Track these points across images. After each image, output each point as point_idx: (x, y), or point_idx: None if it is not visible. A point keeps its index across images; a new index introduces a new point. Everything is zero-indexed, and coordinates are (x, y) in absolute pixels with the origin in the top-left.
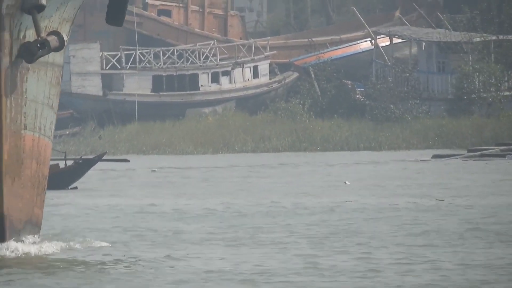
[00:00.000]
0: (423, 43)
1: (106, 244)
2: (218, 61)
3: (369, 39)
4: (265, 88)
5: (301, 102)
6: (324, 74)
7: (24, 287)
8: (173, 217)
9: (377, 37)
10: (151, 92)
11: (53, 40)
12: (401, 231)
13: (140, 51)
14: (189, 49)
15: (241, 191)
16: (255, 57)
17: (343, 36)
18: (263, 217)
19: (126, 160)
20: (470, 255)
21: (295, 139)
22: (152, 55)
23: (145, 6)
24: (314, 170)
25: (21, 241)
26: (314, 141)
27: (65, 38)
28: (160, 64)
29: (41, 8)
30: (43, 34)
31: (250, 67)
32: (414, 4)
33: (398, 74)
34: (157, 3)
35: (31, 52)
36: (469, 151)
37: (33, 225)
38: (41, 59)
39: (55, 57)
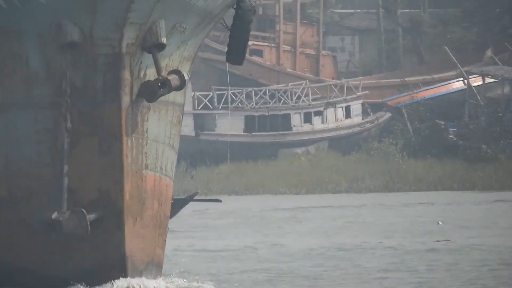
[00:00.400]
0: None
1: (212, 283)
2: (310, 101)
3: (462, 78)
4: (358, 128)
5: (394, 142)
6: (417, 114)
7: None
8: (278, 257)
9: (470, 76)
10: (243, 132)
11: (174, 79)
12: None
13: (232, 91)
14: (281, 89)
15: (338, 230)
16: (347, 97)
17: (435, 75)
18: (363, 255)
19: (218, 200)
20: None
21: (389, 179)
22: (244, 95)
23: None
24: (408, 210)
25: (141, 280)
26: (408, 182)
27: (186, 77)
28: (253, 104)
29: (161, 47)
30: (164, 73)
31: (342, 107)
32: (506, 43)
33: (491, 114)
34: (249, 43)
35: (152, 91)
36: None
37: (155, 266)
38: (162, 98)
39: (175, 96)
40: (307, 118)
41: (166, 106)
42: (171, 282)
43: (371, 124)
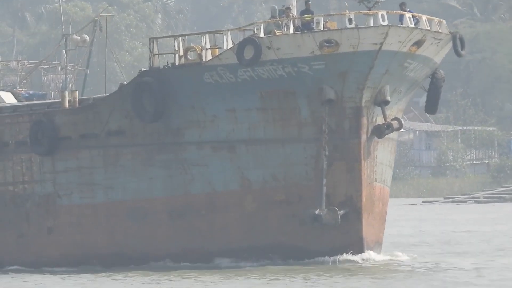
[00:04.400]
0: (417, 132)
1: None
2: None
3: None
4: None
5: None
6: None
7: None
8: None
9: None
10: None
11: (395, 123)
12: None
13: None
14: None
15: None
16: None
17: None
18: None
19: None
20: None
21: None
22: None
23: None
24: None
25: (371, 254)
26: None
27: (403, 122)
28: None
29: (387, 102)
30: (388, 119)
31: None
32: (411, 107)
33: (401, 151)
34: None
35: (380, 131)
36: (445, 198)
37: (378, 244)
38: (386, 136)
39: (393, 135)
40: None
41: (388, 141)
42: (388, 255)
43: None
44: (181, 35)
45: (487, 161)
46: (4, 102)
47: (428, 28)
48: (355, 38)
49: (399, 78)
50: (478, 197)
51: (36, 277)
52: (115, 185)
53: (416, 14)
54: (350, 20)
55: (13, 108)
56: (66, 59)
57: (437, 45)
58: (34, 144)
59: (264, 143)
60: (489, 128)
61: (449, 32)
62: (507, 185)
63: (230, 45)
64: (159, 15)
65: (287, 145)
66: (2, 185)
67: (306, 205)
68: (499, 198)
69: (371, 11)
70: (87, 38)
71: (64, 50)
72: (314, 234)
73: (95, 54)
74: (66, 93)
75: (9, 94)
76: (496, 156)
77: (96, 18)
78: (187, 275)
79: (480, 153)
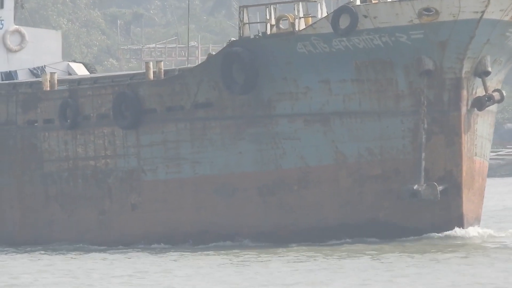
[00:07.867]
0: None
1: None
2: None
3: None
4: None
5: None
6: None
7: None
8: None
9: None
10: None
11: (496, 95)
12: None
13: None
14: None
15: None
16: None
17: None
18: None
19: None
20: None
21: None
22: None
23: None
24: None
25: (471, 230)
26: None
27: (504, 94)
28: None
29: (487, 73)
30: (489, 91)
31: None
32: None
33: None
34: None
35: (481, 103)
36: None
37: (478, 220)
38: (487, 108)
39: (493, 107)
40: None
41: (488, 114)
42: (488, 231)
43: None
44: (273, 3)
45: None
46: (76, 74)
47: None
48: (456, 6)
49: (500, 48)
50: None
51: (119, 256)
52: (202, 160)
53: None
54: None
55: (93, 79)
56: None
57: None
58: (117, 117)
59: (360, 115)
60: None
61: None
62: None
63: (325, 14)
64: None
65: (384, 117)
66: (83, 160)
67: (403, 180)
68: None
69: None
70: None
71: None
72: (412, 210)
73: None
74: (151, 64)
75: (81, 65)
76: None
77: None
78: (278, 254)
79: None
